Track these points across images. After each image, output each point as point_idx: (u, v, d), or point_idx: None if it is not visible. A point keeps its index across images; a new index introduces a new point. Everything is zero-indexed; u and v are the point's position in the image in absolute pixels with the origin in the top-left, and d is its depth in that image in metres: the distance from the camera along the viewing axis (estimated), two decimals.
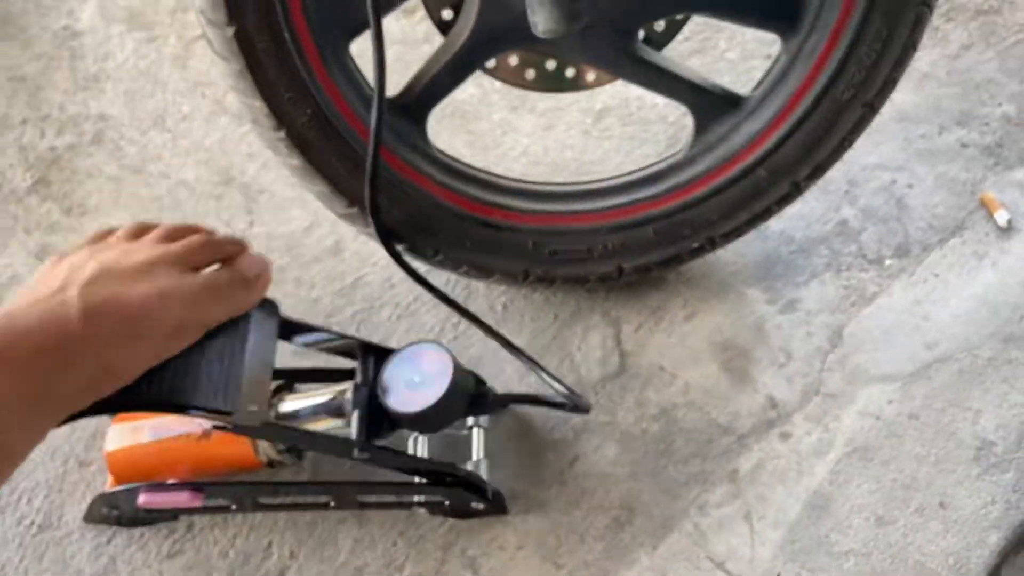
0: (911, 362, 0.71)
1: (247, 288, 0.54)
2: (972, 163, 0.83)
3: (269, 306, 0.59)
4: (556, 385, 0.67)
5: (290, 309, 0.76)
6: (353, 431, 0.61)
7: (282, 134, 0.64)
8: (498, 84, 0.71)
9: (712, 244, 0.73)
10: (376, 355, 0.65)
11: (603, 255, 0.73)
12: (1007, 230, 0.78)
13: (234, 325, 0.55)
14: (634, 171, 0.73)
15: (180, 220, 0.83)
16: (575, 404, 0.66)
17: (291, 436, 0.62)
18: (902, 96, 0.88)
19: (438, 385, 0.61)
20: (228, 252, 0.56)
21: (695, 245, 0.73)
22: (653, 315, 0.76)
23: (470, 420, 0.69)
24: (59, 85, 0.94)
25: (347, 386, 0.63)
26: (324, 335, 0.65)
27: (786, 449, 0.68)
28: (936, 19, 0.94)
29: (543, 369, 0.69)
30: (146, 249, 0.53)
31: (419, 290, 0.77)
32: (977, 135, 0.85)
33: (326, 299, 0.78)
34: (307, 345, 0.65)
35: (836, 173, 0.82)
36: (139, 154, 0.89)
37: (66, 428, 0.71)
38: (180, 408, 0.53)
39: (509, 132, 0.89)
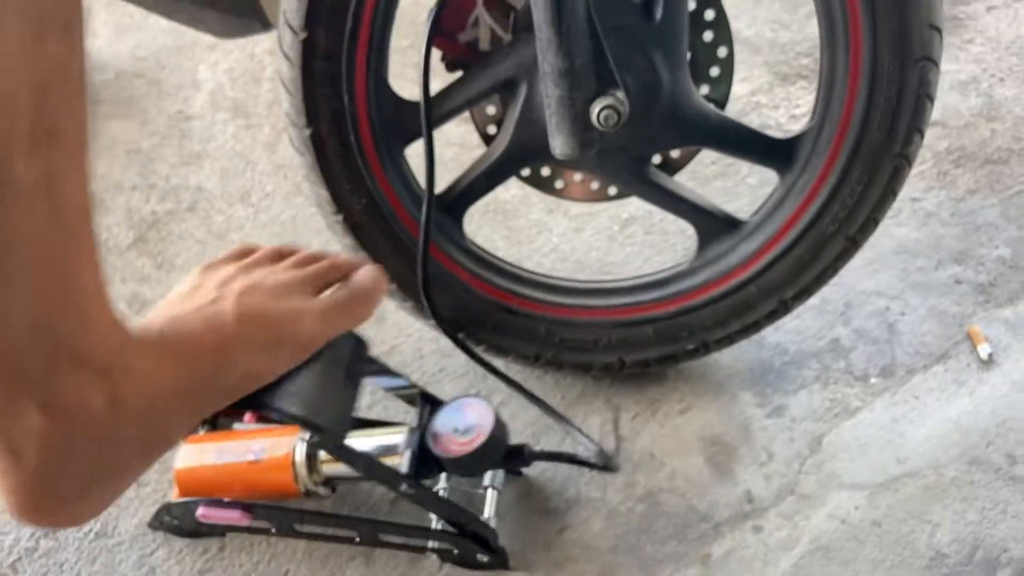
0: (881, 474, 0.77)
1: (365, 300, 0.61)
2: (964, 298, 0.90)
3: (362, 344, 0.67)
4: (590, 445, 0.78)
5: None
6: (404, 468, 0.70)
7: (340, 218, 0.77)
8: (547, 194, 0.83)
9: (706, 348, 0.81)
10: (432, 405, 0.75)
11: (607, 347, 0.82)
12: (988, 363, 0.84)
13: (335, 354, 0.62)
14: (641, 276, 0.82)
15: None
16: (606, 464, 0.77)
17: (359, 460, 0.69)
18: (905, 231, 0.96)
19: (479, 435, 0.70)
20: (348, 271, 0.63)
21: (690, 347, 0.81)
22: (651, 406, 0.84)
23: (486, 480, 0.76)
24: (167, 159, 1.10)
25: (403, 429, 0.73)
26: (400, 381, 0.75)
27: (756, 540, 0.74)
28: (946, 164, 1.03)
29: (580, 431, 0.80)
30: (285, 272, 0.61)
31: (444, 362, 0.87)
32: (972, 273, 0.92)
33: None
34: (386, 389, 0.75)
35: (834, 295, 0.91)
36: (225, 223, 1.03)
37: None
38: (289, 416, 0.59)
39: (543, 231, 1.00)
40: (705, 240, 0.80)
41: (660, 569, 0.73)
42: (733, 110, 1.12)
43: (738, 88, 1.14)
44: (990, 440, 0.78)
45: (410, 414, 0.79)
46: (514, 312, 0.81)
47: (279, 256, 0.64)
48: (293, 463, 0.73)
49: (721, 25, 0.76)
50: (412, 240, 0.79)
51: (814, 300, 0.90)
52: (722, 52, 0.77)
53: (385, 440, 0.73)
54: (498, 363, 0.87)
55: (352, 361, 0.64)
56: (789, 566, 0.72)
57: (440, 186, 0.81)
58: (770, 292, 0.78)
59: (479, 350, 0.83)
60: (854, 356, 0.86)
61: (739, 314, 0.79)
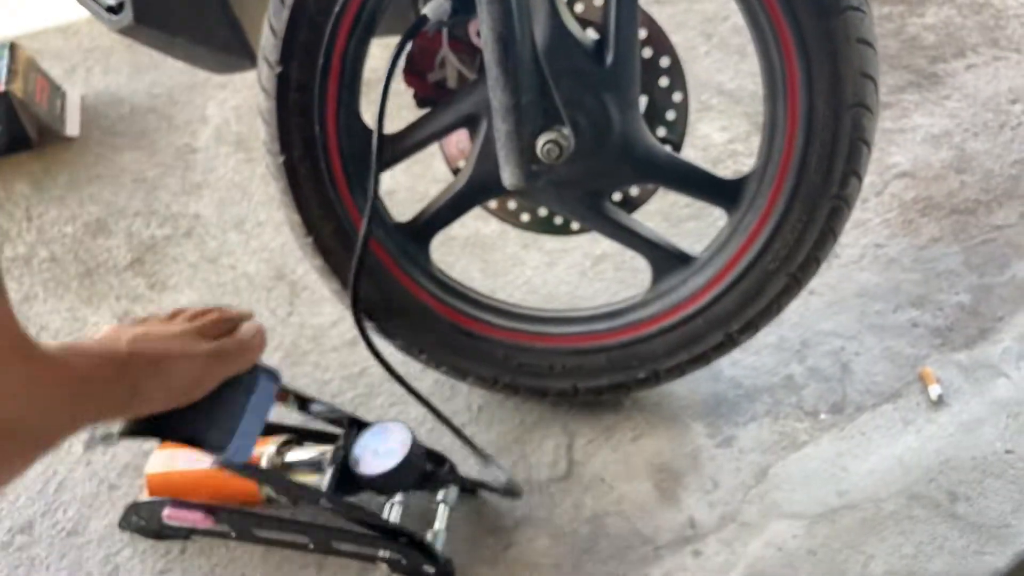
0: (821, 505, 0.79)
1: (247, 349, 0.71)
2: (919, 341, 0.92)
3: (273, 376, 0.74)
4: (500, 476, 0.80)
5: (304, 386, 0.92)
6: (324, 484, 0.74)
7: (310, 240, 0.82)
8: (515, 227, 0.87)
9: (657, 378, 0.84)
10: (357, 428, 0.79)
11: (562, 373, 0.85)
12: (937, 404, 0.86)
13: (242, 384, 0.71)
14: (596, 306, 0.86)
15: (237, 305, 1.01)
16: (510, 490, 0.79)
17: (268, 478, 0.75)
18: (867, 275, 0.99)
19: (395, 457, 0.75)
20: (236, 324, 0.73)
21: (642, 376, 0.84)
22: (605, 432, 0.87)
23: (440, 496, 0.80)
24: (170, 188, 1.17)
25: (330, 449, 0.77)
26: (325, 407, 0.80)
27: (695, 564, 0.76)
28: (912, 213, 1.05)
29: (493, 460, 0.82)
30: (178, 324, 0.72)
31: (410, 383, 0.91)
32: (930, 317, 0.94)
33: (335, 382, 0.93)
34: (312, 413, 0.80)
35: (792, 334, 0.94)
36: (218, 248, 1.08)
37: (106, 458, 0.88)
38: (187, 441, 0.68)
39: (518, 265, 1.04)
40: (658, 274, 0.83)
41: None
42: (711, 156, 1.16)
43: (716, 136, 1.18)
44: (932, 477, 0.80)
45: None
46: (474, 336, 0.85)
47: (176, 314, 0.74)
48: None
49: (676, 72, 0.80)
50: (378, 263, 0.83)
51: (772, 338, 0.93)
52: (677, 97, 0.81)
53: (312, 457, 0.78)
54: (461, 387, 0.91)
55: (261, 392, 0.72)
56: None
57: (409, 215, 0.86)
58: (717, 325, 0.81)
59: (440, 371, 0.87)
60: (806, 392, 0.89)
61: (687, 345, 0.82)
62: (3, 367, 0.58)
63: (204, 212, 1.13)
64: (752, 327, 0.81)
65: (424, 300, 0.85)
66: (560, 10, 0.74)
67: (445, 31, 0.79)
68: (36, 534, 0.83)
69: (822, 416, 0.86)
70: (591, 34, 0.77)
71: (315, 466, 0.77)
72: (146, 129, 1.25)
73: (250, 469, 0.74)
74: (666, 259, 0.83)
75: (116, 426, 0.69)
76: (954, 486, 0.79)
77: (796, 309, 0.95)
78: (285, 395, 0.78)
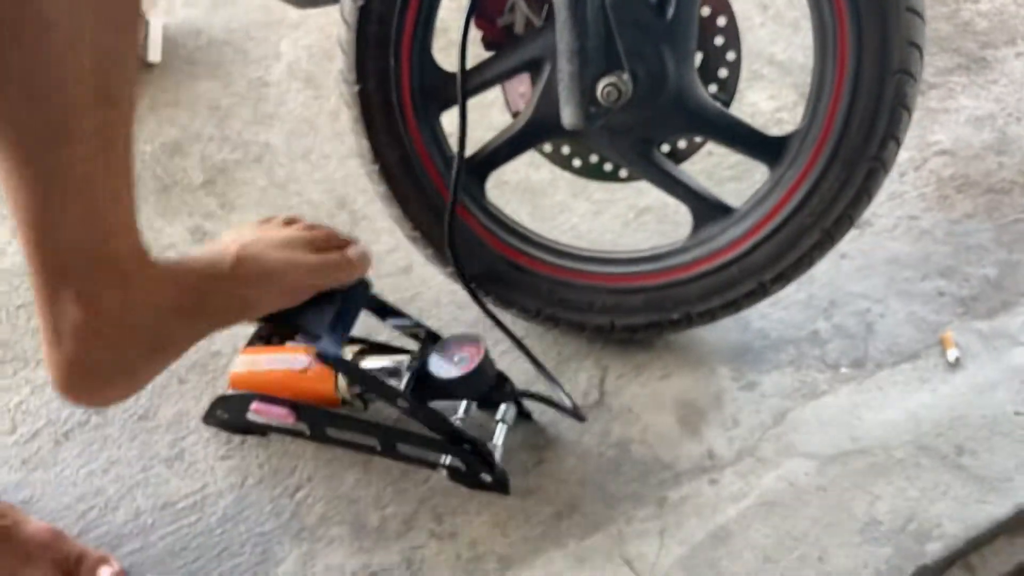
0: (834, 447, 0.84)
1: (351, 268, 0.79)
2: (943, 308, 0.96)
3: (364, 283, 0.82)
4: (564, 398, 0.86)
5: None
6: (402, 386, 0.81)
7: (376, 167, 0.88)
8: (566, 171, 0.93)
9: (689, 320, 0.90)
10: (433, 341, 0.86)
11: (601, 310, 0.91)
12: (954, 366, 0.90)
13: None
14: (638, 250, 0.91)
15: None
16: (575, 413, 0.85)
17: (355, 372, 0.81)
18: (899, 245, 1.03)
19: (470, 364, 0.80)
20: (342, 244, 0.80)
21: (675, 317, 0.89)
22: (636, 369, 0.93)
23: (499, 415, 0.85)
24: (242, 117, 1.24)
25: (406, 357, 0.84)
26: (407, 320, 0.87)
27: (710, 491, 0.82)
28: (948, 189, 1.09)
29: (562, 388, 0.88)
30: (290, 232, 0.78)
31: (458, 312, 0.98)
32: (956, 287, 0.98)
33: None
34: (394, 326, 0.87)
35: (821, 292, 0.99)
36: (285, 176, 1.15)
37: None
38: (297, 328, 0.81)
39: (565, 211, 1.10)
40: (699, 222, 0.89)
41: (619, 504, 0.82)
42: (758, 123, 1.20)
43: (764, 104, 1.22)
44: (942, 432, 0.85)
45: None
46: (521, 269, 0.91)
47: (291, 222, 0.80)
48: (336, 374, 0.83)
49: (731, 31, 0.85)
50: (438, 194, 0.89)
51: (801, 295, 0.98)
52: (731, 56, 0.86)
53: (390, 363, 0.84)
54: (504, 317, 0.97)
55: (351, 294, 0.80)
56: (735, 514, 0.80)
57: (468, 151, 0.92)
58: (751, 273, 0.86)
59: (487, 300, 0.93)
60: (829, 347, 0.94)
61: (721, 291, 0.87)
62: (123, 276, 0.65)
63: (274, 141, 1.20)
64: (784, 278, 0.86)
65: (478, 232, 0.91)
66: None
67: None
68: (109, 416, 0.91)
69: (843, 369, 0.91)
70: None
71: (391, 373, 0.83)
72: (222, 61, 1.32)
73: (342, 363, 0.79)
74: (708, 209, 0.88)
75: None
76: (962, 441, 0.84)
77: (827, 271, 1.00)
78: (373, 301, 0.85)
